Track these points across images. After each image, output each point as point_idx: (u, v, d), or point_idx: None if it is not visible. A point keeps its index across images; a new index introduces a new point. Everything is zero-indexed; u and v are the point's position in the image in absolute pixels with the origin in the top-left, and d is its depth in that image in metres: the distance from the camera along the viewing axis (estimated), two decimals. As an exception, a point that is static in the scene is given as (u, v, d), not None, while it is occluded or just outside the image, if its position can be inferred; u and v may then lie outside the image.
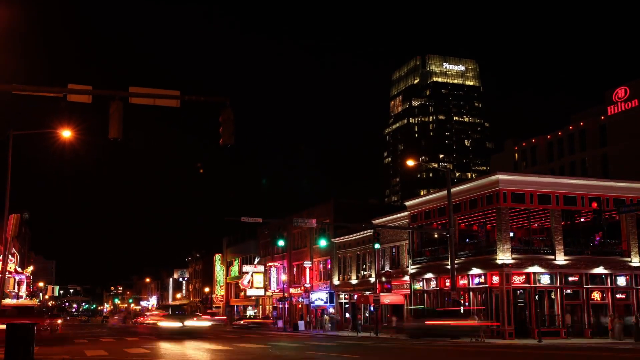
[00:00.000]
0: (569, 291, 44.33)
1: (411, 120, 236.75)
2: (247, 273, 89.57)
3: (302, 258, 76.35)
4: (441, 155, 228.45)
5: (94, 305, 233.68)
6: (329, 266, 70.30)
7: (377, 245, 52.51)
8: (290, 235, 78.17)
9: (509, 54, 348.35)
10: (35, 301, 60.77)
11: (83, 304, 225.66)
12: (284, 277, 79.21)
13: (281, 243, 70.69)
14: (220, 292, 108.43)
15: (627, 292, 45.37)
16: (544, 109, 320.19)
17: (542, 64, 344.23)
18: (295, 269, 79.19)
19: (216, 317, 79.49)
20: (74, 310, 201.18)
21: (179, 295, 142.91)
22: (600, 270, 44.59)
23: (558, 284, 43.59)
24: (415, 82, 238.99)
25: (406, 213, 55.41)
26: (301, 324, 66.80)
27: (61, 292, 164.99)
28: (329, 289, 69.36)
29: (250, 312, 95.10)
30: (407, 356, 24.98)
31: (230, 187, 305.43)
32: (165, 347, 29.73)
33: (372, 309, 56.01)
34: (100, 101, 20.96)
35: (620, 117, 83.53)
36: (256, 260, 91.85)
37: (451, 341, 36.70)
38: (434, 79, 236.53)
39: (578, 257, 44.44)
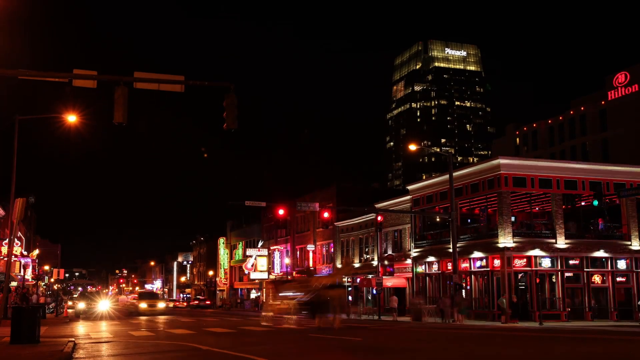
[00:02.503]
0: (569, 274, 44.69)
1: (413, 105, 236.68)
2: (250, 256, 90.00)
3: (305, 241, 76.78)
4: (443, 140, 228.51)
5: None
6: (332, 249, 70.71)
7: (379, 229, 53.02)
8: (294, 219, 78.55)
9: (510, 39, 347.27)
10: (40, 284, 61.33)
11: (88, 287, 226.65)
12: (287, 261, 79.68)
13: (281, 212, 69.55)
14: (224, 275, 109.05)
15: (627, 275, 45.75)
16: (545, 94, 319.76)
17: (543, 50, 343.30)
18: (298, 252, 79.63)
19: None
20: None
21: (183, 279, 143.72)
22: (600, 253, 44.95)
23: (559, 267, 43.95)
24: (417, 67, 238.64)
25: (408, 197, 55.72)
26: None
27: (66, 275, 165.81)
28: (331, 272, 69.75)
29: (252, 295, 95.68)
30: (408, 338, 25.36)
31: (234, 171, 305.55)
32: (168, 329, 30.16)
33: (374, 292, 56.46)
34: (105, 86, 21.23)
35: (620, 101, 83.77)
36: (260, 244, 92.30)
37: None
38: (436, 64, 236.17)
39: (579, 241, 44.80)
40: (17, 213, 33.00)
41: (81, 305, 52.39)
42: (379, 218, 53.64)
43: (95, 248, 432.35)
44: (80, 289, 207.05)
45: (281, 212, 59.86)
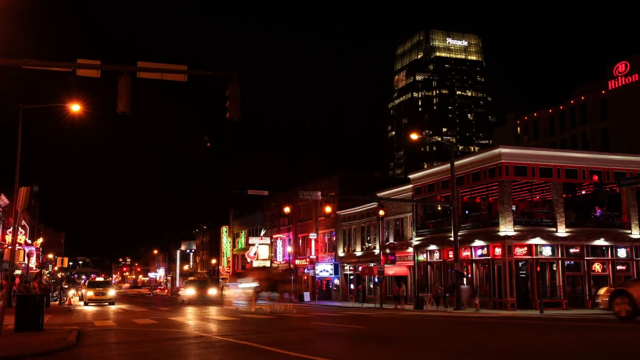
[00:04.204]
0: (570, 263, 44.92)
1: (415, 94, 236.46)
2: (253, 245, 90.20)
3: (307, 230, 77.01)
4: (444, 129, 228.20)
5: (103, 277, 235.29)
6: (334, 238, 70.96)
7: (381, 216, 53.14)
8: (296, 207, 78.72)
9: (511, 29, 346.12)
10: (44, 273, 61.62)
11: (92, 275, 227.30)
12: (289, 249, 79.93)
13: (287, 209, 70.73)
14: (226, 263, 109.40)
15: (628, 263, 45.95)
16: (546, 83, 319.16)
17: (544, 39, 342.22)
18: (300, 240, 79.87)
19: None
20: (82, 281, 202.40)
21: (186, 267, 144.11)
22: (601, 242, 45.14)
23: (559, 256, 44.16)
24: (419, 57, 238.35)
25: (410, 186, 55.89)
26: (306, 295, 67.68)
27: (70, 263, 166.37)
28: (334, 260, 70.10)
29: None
30: (408, 326, 25.64)
31: (237, 160, 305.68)
32: (170, 317, 30.44)
33: (376, 280, 56.74)
34: (108, 76, 21.32)
35: (620, 91, 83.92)
36: (262, 232, 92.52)
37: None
38: (437, 53, 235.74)
39: (579, 229, 44.97)
40: (21, 202, 33.09)
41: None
42: (381, 211, 53.61)
43: (98, 236, 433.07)
44: (84, 276, 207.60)
45: (287, 210, 62.86)
